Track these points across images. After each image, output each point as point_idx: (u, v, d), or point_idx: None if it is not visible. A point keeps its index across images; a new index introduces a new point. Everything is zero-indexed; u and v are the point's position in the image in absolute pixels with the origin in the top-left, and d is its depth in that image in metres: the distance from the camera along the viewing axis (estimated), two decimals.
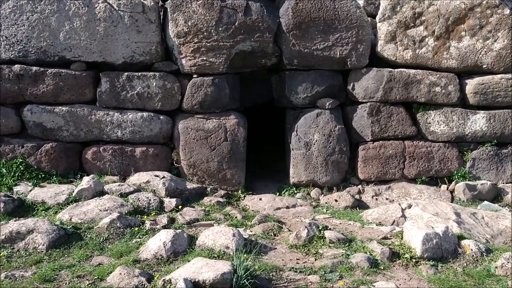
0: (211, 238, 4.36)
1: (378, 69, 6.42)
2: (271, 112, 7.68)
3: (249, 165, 7.86)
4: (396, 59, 6.42)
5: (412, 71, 6.38)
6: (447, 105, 6.41)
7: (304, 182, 6.45)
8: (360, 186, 6.44)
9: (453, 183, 6.24)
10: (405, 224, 4.66)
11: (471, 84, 6.32)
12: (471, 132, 6.37)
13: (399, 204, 5.37)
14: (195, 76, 6.40)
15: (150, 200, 5.53)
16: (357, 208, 5.92)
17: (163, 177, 6.04)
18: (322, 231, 4.67)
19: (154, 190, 5.85)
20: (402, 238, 4.62)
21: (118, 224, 4.78)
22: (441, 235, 4.33)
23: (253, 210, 5.84)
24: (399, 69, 6.41)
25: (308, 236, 4.60)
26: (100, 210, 5.17)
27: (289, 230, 5.01)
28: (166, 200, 5.66)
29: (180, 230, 4.48)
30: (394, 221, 5.16)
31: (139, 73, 6.27)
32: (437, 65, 6.37)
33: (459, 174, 6.31)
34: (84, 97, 6.26)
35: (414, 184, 6.36)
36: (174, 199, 5.66)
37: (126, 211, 5.20)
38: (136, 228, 4.81)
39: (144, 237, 4.70)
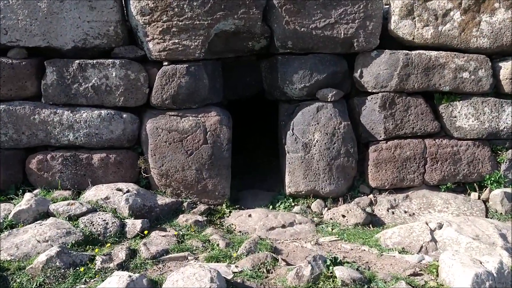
0: (181, 285, 3.16)
1: (391, 52, 5.20)
2: (262, 103, 6.41)
3: (236, 169, 6.69)
4: (413, 38, 5.21)
5: (434, 53, 5.18)
6: (477, 94, 5.23)
7: (303, 192, 5.25)
8: (371, 195, 5.26)
9: (487, 190, 5.08)
10: (441, 257, 3.49)
11: (507, 68, 5.13)
12: (506, 127, 5.19)
13: (426, 224, 4.20)
14: (166, 63, 5.14)
15: (107, 223, 4.31)
16: (370, 226, 4.74)
17: (127, 191, 4.81)
18: (330, 268, 3.48)
19: (115, 208, 4.63)
20: (437, 275, 3.46)
21: (57, 263, 3.56)
22: (494, 274, 3.18)
23: (240, 232, 4.65)
24: (418, 51, 5.20)
25: (312, 275, 3.42)
26: (39, 241, 3.94)
27: (287, 264, 3.82)
28: (129, 222, 4.44)
29: (138, 275, 3.26)
30: (421, 247, 4.00)
31: (95, 61, 5.00)
32: (464, 45, 5.17)
33: (493, 179, 5.15)
34: (25, 92, 4.98)
35: (438, 192, 5.19)
36: (140, 221, 4.44)
37: (73, 242, 3.97)
38: (82, 269, 3.60)
39: (92, 281, 3.50)
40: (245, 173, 6.77)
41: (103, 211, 4.56)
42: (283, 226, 4.69)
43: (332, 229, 4.66)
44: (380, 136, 5.28)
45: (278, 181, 6.31)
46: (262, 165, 7.06)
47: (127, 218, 4.52)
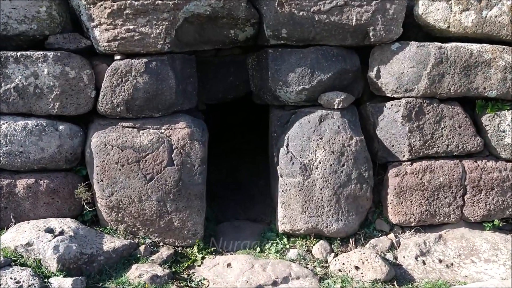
0: None
1: (419, 44, 3.92)
2: (253, 105, 5.07)
3: (216, 188, 5.38)
4: (449, 26, 3.92)
5: (476, 46, 3.90)
6: None
7: (301, 231, 3.94)
8: (392, 235, 3.97)
9: None
10: None
11: None
12: None
13: None
14: (118, 57, 3.82)
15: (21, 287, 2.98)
16: (395, 283, 3.44)
17: (60, 233, 3.49)
18: None
19: (40, 260, 3.30)
20: None
21: None
22: None
23: None
24: (455, 44, 3.92)
25: None
26: None
27: None
28: (55, 283, 3.12)
29: None
30: None
31: (19, 53, 3.67)
32: None
33: None
34: None
35: (481, 231, 3.92)
36: (71, 281, 3.12)
37: None
38: None
39: None
40: (228, 193, 5.49)
41: (22, 265, 3.24)
42: (274, 283, 3.39)
43: (343, 287, 3.37)
44: (404, 156, 3.99)
45: (268, 205, 5.06)
46: (250, 183, 5.77)
47: (55, 275, 3.19)
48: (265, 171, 4.89)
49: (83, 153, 3.90)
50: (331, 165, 3.90)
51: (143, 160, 3.78)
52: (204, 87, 4.52)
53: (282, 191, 3.96)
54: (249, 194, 5.50)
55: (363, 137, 3.99)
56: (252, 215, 5.01)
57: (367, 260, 3.52)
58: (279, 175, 4.01)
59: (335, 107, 4.01)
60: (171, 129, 3.85)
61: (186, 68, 4.10)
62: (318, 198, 3.90)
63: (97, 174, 3.77)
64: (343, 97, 4.00)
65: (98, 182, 3.78)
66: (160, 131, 3.84)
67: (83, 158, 3.92)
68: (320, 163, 3.91)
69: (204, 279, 3.50)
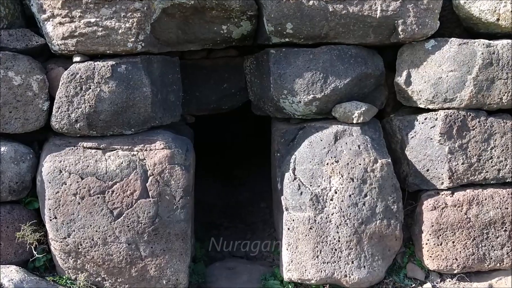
0: None
1: (462, 41, 3.09)
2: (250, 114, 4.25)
3: (212, 214, 4.62)
4: (498, 19, 3.09)
5: None
6: None
7: (313, 281, 3.08)
8: (429, 285, 3.11)
9: None
10: None
11: None
12: None
13: None
14: (78, 59, 2.99)
15: None
16: None
17: None
18: None
19: None
20: None
21: None
22: None
23: None
24: (506, 41, 3.08)
25: None
26: None
27: None
28: None
29: None
30: None
31: None
32: None
33: None
34: None
35: None
36: None
37: None
38: None
39: None
40: (224, 220, 4.68)
41: None
42: None
43: None
44: (442, 183, 3.13)
45: (270, 235, 4.27)
46: (250, 206, 4.96)
47: None
48: (269, 191, 4.07)
49: (34, 181, 3.06)
50: (350, 195, 3.05)
51: (109, 191, 2.94)
52: (192, 96, 3.71)
53: (288, 228, 3.10)
54: (249, 221, 4.68)
55: (390, 160, 3.14)
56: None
57: None
58: (284, 207, 3.16)
59: (354, 122, 3.17)
60: (146, 150, 3.01)
61: (167, 73, 3.27)
62: (334, 239, 3.04)
63: (50, 210, 2.92)
64: (364, 108, 3.16)
65: (50, 220, 2.93)
66: (132, 153, 3.00)
67: (32, 189, 3.08)
68: (336, 193, 3.06)
69: None
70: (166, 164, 2.98)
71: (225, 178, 5.48)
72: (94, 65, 2.93)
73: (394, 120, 3.38)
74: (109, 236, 2.93)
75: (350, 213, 3.04)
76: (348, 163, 3.07)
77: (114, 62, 2.94)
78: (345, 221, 3.03)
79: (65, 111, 2.93)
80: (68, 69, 2.94)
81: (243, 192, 5.28)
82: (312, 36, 3.14)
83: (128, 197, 2.94)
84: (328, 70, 3.16)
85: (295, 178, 3.14)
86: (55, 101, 2.94)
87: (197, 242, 3.73)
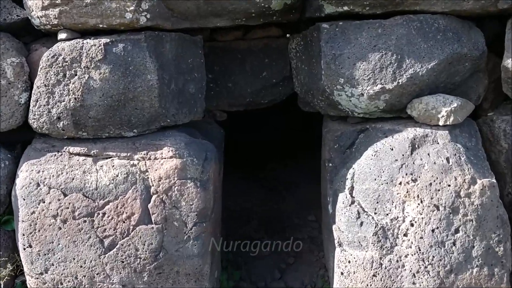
0: None
1: None
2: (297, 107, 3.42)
3: (236, 230, 3.92)
4: None
5: None
6: None
7: None
8: None
9: None
10: None
11: None
12: None
13: None
14: (63, 36, 2.25)
15: None
16: None
17: None
18: None
19: None
20: None
21: None
22: None
23: None
24: None
25: None
26: None
27: None
28: None
29: None
30: None
31: None
32: None
33: None
34: None
35: None
36: None
37: None
38: None
39: None
40: (259, 234, 3.95)
41: None
42: None
43: None
44: None
45: (319, 261, 3.48)
46: (295, 217, 4.17)
47: None
48: (319, 200, 3.23)
49: (9, 194, 2.36)
50: (433, 230, 2.11)
51: (99, 213, 2.18)
52: (223, 87, 2.94)
53: (342, 273, 2.21)
54: (293, 237, 3.84)
55: (494, 180, 2.16)
56: (293, 280, 3.34)
57: None
58: (336, 241, 2.28)
59: (441, 123, 2.22)
60: (149, 159, 2.22)
61: (185, 57, 2.47)
62: None
63: (24, 235, 2.21)
64: (455, 104, 2.20)
65: (25, 249, 2.22)
66: (131, 162, 2.22)
67: (8, 204, 2.39)
68: (412, 225, 2.13)
69: None
70: (175, 178, 2.18)
71: (268, 182, 4.69)
72: (82, 43, 2.17)
73: (497, 121, 2.39)
74: (97, 274, 2.18)
75: (433, 256, 2.10)
76: (431, 184, 2.13)
77: (108, 40, 2.18)
78: (426, 267, 2.10)
79: (44, 105, 2.20)
80: (49, 50, 2.20)
81: (289, 200, 4.48)
82: (382, 2, 2.21)
83: (124, 222, 2.17)
84: (404, 50, 2.22)
85: (352, 202, 2.23)
86: (33, 91, 2.22)
87: (224, 273, 2.95)
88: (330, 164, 2.54)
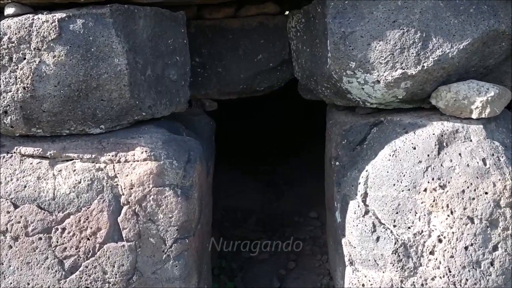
0: None
1: None
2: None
3: (233, 231, 3.54)
4: None
5: None
6: None
7: None
8: None
9: None
10: None
11: None
12: None
13: None
14: (11, 11, 1.81)
15: None
16: None
17: None
18: None
19: None
20: None
21: None
22: None
23: None
24: None
25: None
26: None
27: None
28: None
29: None
30: None
31: None
32: None
33: None
34: None
35: None
36: None
37: None
38: None
39: None
40: (261, 234, 3.65)
41: None
42: None
43: None
44: None
45: (322, 268, 3.16)
46: (296, 215, 3.82)
47: None
48: (321, 195, 2.86)
49: None
50: (466, 247, 1.72)
51: (58, 229, 1.78)
52: (213, 73, 2.62)
53: None
54: (294, 237, 3.50)
55: None
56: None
57: None
58: (346, 258, 1.89)
59: (474, 116, 1.82)
60: (119, 162, 1.81)
61: (164, 36, 2.06)
62: None
63: None
64: (492, 93, 1.80)
65: None
66: (97, 166, 1.81)
67: None
68: (440, 241, 1.74)
69: None
70: (150, 186, 1.78)
71: (266, 176, 4.32)
72: (32, 20, 1.75)
73: None
74: None
75: (467, 279, 1.71)
76: (463, 191, 1.73)
77: (64, 15, 1.75)
78: None
79: None
80: None
81: (288, 195, 4.14)
82: None
83: (89, 239, 1.77)
84: (431, 27, 1.80)
85: (366, 212, 1.84)
86: None
87: (215, 283, 2.58)
88: (337, 163, 2.14)
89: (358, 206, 1.86)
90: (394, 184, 1.81)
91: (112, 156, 1.81)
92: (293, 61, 2.46)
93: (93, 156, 1.82)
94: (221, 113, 3.05)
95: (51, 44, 1.73)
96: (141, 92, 1.92)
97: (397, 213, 1.79)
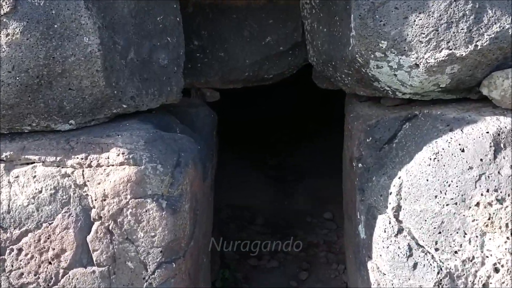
0: None
1: None
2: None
3: (242, 229, 3.34)
4: None
5: None
6: None
7: None
8: None
9: None
10: None
11: None
12: None
13: None
14: None
15: None
16: None
17: None
18: None
19: None
20: None
21: None
22: None
23: None
24: None
25: None
26: None
27: None
28: None
29: None
30: None
31: None
32: None
33: None
34: None
35: None
36: None
37: None
38: None
39: None
40: (269, 236, 3.35)
41: None
42: None
43: None
44: None
45: (339, 280, 2.85)
46: (307, 214, 3.55)
47: None
48: (337, 194, 2.50)
49: None
50: None
51: (13, 250, 1.44)
52: (214, 58, 2.35)
53: None
54: (306, 241, 3.17)
55: None
56: None
57: None
58: (373, 287, 1.50)
59: None
60: (90, 166, 1.45)
61: (151, 12, 1.71)
62: None
63: None
64: None
65: None
66: (63, 171, 1.45)
67: None
68: (497, 271, 1.36)
69: None
70: (128, 196, 1.41)
71: (276, 171, 3.99)
72: None
73: None
74: None
75: None
76: None
77: None
78: None
79: None
80: None
81: (300, 192, 3.84)
82: None
83: (51, 263, 1.42)
84: None
85: (400, 230, 1.46)
86: None
87: None
88: (360, 165, 1.77)
89: (389, 223, 1.48)
90: (436, 196, 1.42)
91: (82, 159, 1.45)
92: (307, 43, 2.10)
93: (59, 158, 1.46)
94: (225, 100, 2.70)
95: (4, 20, 1.37)
96: (121, 80, 1.56)
97: (440, 233, 1.40)
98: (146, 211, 1.42)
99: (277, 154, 4.18)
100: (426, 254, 1.41)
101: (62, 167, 1.46)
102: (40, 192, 1.43)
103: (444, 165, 1.44)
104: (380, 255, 1.49)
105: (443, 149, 1.46)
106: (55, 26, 1.40)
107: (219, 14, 2.26)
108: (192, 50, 2.27)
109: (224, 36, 2.27)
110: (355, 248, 1.87)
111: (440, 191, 1.42)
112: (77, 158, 1.45)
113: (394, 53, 1.49)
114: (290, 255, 3.08)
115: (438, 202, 1.41)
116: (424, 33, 1.43)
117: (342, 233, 2.72)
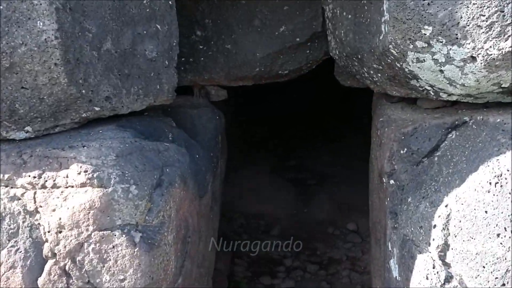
0: None
1: None
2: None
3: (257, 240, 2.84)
4: None
5: None
6: None
7: None
8: None
9: None
10: None
11: None
12: None
13: None
14: None
15: None
16: None
17: None
18: None
19: None
20: None
21: None
22: None
23: None
24: None
25: None
26: None
27: None
28: None
29: None
30: None
31: None
32: None
33: None
34: None
35: None
36: None
37: None
38: None
39: None
40: (286, 251, 2.91)
41: None
42: None
43: None
44: None
45: None
46: (329, 224, 3.25)
47: None
48: (361, 201, 2.31)
49: None
50: None
51: None
52: (219, 51, 2.07)
53: None
54: (325, 257, 2.85)
55: None
56: None
57: None
58: None
59: None
60: (44, 187, 1.12)
61: None
62: None
63: None
64: None
65: None
66: (11, 192, 1.13)
67: None
68: None
69: None
70: (90, 228, 1.09)
71: (294, 174, 3.72)
72: None
73: None
74: None
75: None
76: None
77: None
78: None
79: None
80: None
81: (321, 199, 3.56)
82: None
83: None
84: None
85: (449, 278, 1.10)
86: None
87: None
88: (392, 182, 1.44)
89: (434, 267, 1.12)
90: (498, 235, 1.05)
91: (35, 177, 1.13)
92: (328, 34, 1.78)
93: (7, 176, 1.15)
94: (237, 96, 2.39)
95: None
96: (91, 76, 1.24)
97: (503, 285, 1.03)
98: (113, 247, 1.09)
99: (295, 156, 3.85)
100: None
101: (11, 187, 1.14)
102: None
103: (510, 193, 1.06)
104: None
105: (508, 170, 1.09)
106: (0, 7, 1.08)
107: (225, 0, 1.94)
108: (195, 42, 2.00)
109: (231, 25, 2.03)
110: (385, 284, 1.51)
111: (505, 228, 1.05)
112: (29, 176, 1.14)
113: (441, 42, 1.12)
114: (309, 273, 2.75)
115: (501, 243, 1.05)
116: (484, 15, 1.05)
117: (368, 248, 2.38)
